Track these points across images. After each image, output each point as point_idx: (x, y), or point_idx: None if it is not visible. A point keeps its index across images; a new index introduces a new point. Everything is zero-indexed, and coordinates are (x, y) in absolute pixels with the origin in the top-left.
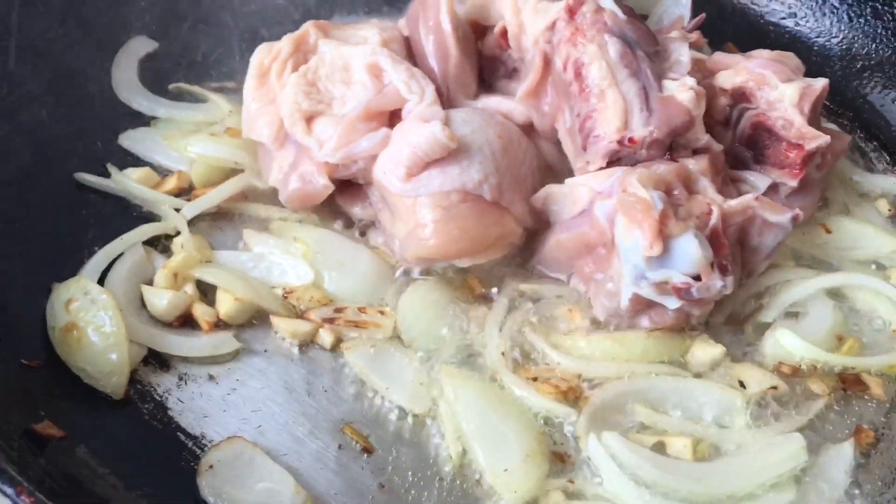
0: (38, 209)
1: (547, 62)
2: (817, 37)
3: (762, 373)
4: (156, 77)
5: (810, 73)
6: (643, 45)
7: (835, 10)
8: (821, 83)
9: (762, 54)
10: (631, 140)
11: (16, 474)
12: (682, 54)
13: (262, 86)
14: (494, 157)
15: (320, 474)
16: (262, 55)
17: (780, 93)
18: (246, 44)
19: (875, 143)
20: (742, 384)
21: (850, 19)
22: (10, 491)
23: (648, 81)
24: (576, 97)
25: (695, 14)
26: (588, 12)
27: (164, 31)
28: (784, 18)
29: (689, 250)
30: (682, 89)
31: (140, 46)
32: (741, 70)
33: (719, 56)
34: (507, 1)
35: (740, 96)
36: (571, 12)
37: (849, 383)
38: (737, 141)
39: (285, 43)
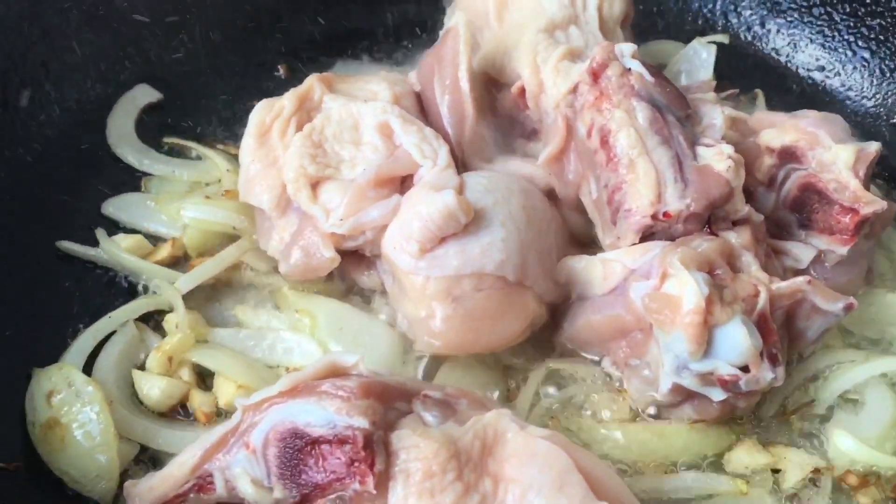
0: (17, 283)
1: (570, 128)
2: (848, 90)
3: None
4: (154, 131)
5: None
6: (674, 110)
7: (866, 64)
8: (875, 146)
9: (809, 114)
10: (666, 214)
11: None
12: (716, 118)
13: (263, 146)
14: (518, 231)
15: None
16: (263, 113)
17: (833, 154)
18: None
19: None
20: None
21: (883, 74)
22: None
23: (682, 149)
24: (602, 167)
25: (717, 65)
26: (613, 75)
27: (171, 80)
28: (811, 71)
29: (737, 339)
30: (719, 158)
31: (142, 96)
32: (790, 129)
33: (762, 114)
34: (526, 58)
35: (789, 156)
36: (595, 75)
37: None
38: (781, 204)
39: (288, 99)
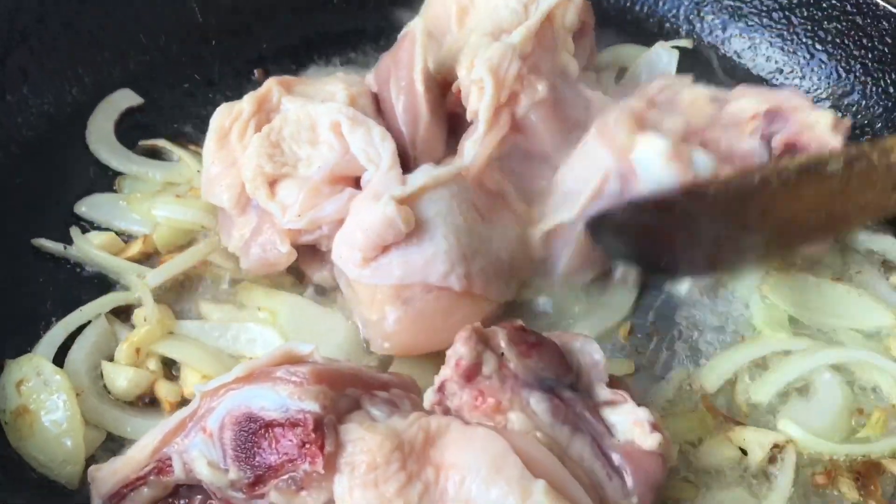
0: None
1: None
2: (806, 91)
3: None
4: (132, 133)
5: None
6: (563, 379)
7: (823, 66)
8: (848, 122)
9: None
10: None
11: None
12: (594, 353)
13: (223, 147)
14: (460, 242)
15: None
16: (223, 116)
17: (814, 117)
18: None
19: None
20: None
21: (839, 75)
22: None
23: (592, 426)
24: None
25: (680, 69)
26: (492, 373)
27: (152, 87)
28: (772, 73)
29: None
30: (640, 432)
31: (123, 99)
32: (771, 96)
33: (743, 87)
34: (465, 61)
35: (775, 117)
36: (468, 378)
37: (868, 475)
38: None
39: (247, 102)
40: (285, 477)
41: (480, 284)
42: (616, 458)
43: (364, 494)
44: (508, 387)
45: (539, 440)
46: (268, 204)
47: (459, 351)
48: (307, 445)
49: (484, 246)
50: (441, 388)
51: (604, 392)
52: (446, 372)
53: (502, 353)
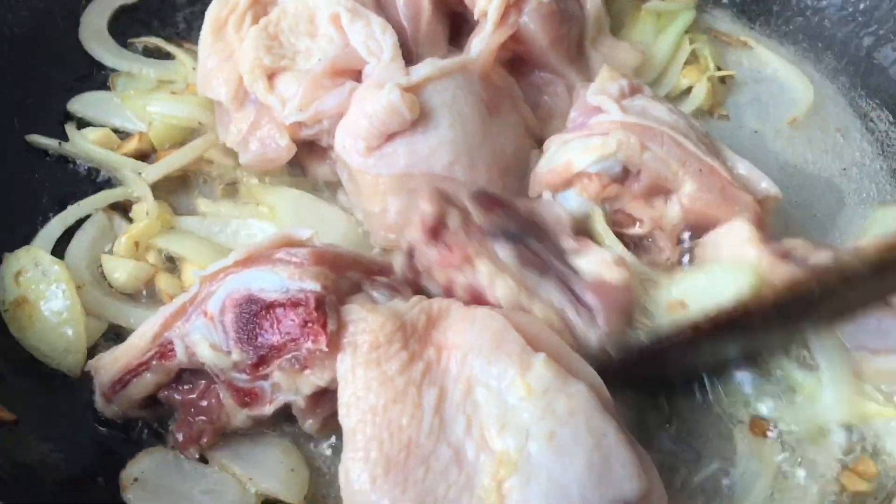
0: None
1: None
2: None
3: None
4: (125, 30)
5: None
6: (527, 231)
7: None
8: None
9: None
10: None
11: None
12: (557, 208)
13: (219, 40)
14: (466, 133)
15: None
16: (219, 7)
17: None
18: None
19: (877, 100)
20: None
21: None
22: None
23: (560, 271)
24: None
25: None
26: (456, 226)
27: None
28: None
29: None
30: (606, 268)
31: None
32: None
33: None
34: None
35: None
36: (434, 233)
37: None
38: None
39: None
40: (288, 356)
41: (485, 176)
42: (584, 294)
43: (367, 373)
44: (474, 238)
45: (507, 285)
46: (267, 97)
47: (423, 208)
48: (309, 324)
49: (490, 138)
50: (410, 253)
51: (569, 243)
52: (412, 233)
53: (466, 209)
